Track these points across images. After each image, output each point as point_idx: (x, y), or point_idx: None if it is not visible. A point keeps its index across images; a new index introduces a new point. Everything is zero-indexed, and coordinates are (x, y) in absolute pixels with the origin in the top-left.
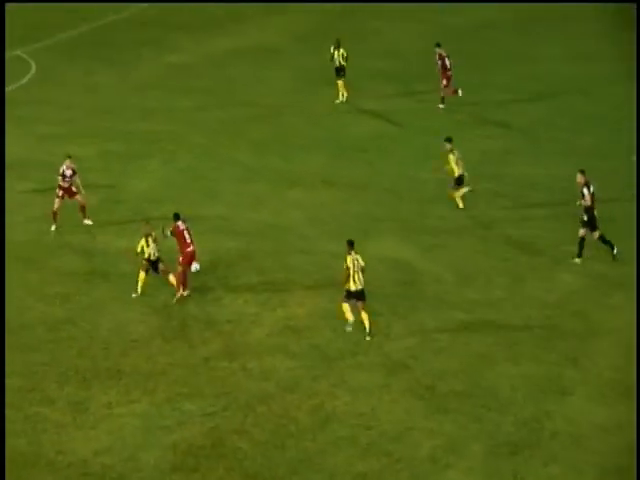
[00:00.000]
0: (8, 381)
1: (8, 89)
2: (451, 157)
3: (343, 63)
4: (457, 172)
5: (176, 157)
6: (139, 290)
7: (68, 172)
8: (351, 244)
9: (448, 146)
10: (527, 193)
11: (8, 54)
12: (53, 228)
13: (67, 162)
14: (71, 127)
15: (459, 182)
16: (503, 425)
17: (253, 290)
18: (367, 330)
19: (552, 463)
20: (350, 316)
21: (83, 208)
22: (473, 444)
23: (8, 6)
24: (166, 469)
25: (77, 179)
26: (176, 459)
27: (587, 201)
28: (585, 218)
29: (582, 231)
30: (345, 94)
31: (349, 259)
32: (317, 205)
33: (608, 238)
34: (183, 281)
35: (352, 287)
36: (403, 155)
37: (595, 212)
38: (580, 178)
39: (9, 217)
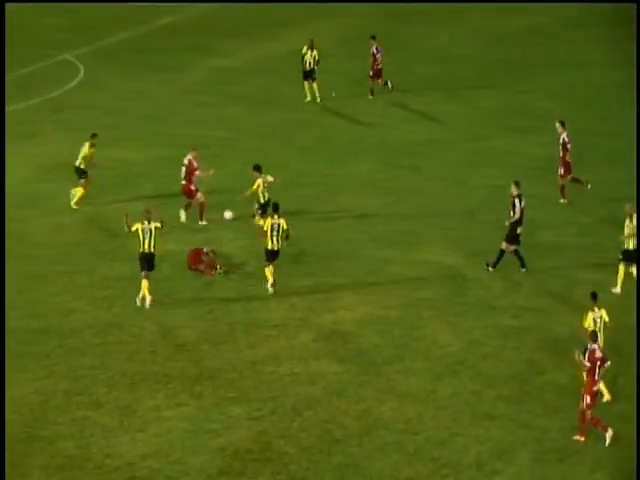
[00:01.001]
0: (55, 385)
1: (57, 93)
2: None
3: (314, 66)
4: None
5: (224, 162)
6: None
7: (195, 164)
8: (275, 208)
9: (256, 174)
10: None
11: (57, 58)
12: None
13: (192, 154)
14: (119, 131)
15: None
16: (550, 431)
17: (300, 295)
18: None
19: (599, 470)
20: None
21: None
22: (520, 450)
23: (57, 8)
24: (213, 473)
25: (199, 173)
26: (223, 463)
27: (517, 214)
28: (510, 232)
29: (504, 244)
30: (317, 95)
31: (268, 221)
32: (365, 210)
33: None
34: None
35: (269, 246)
36: (452, 161)
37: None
38: (514, 189)
39: (57, 219)
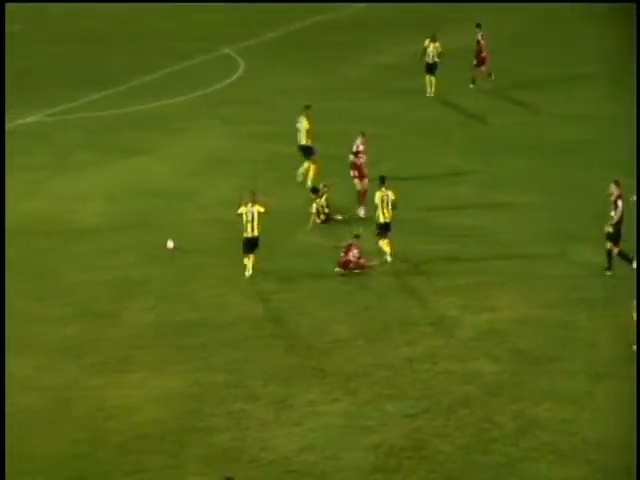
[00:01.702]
0: (212, 377)
1: (216, 87)
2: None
3: (436, 59)
4: None
5: (381, 159)
6: None
7: (361, 147)
8: (382, 180)
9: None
10: None
11: (218, 52)
12: (362, 213)
13: (360, 139)
14: (276, 127)
15: None
16: None
17: (457, 293)
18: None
19: None
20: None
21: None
22: None
23: (221, 6)
24: (367, 469)
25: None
26: (377, 460)
27: (618, 215)
28: (611, 230)
29: (609, 244)
30: (432, 90)
31: (378, 195)
32: (521, 209)
33: None
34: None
35: (380, 220)
36: (609, 161)
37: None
38: (615, 190)
39: (213, 212)
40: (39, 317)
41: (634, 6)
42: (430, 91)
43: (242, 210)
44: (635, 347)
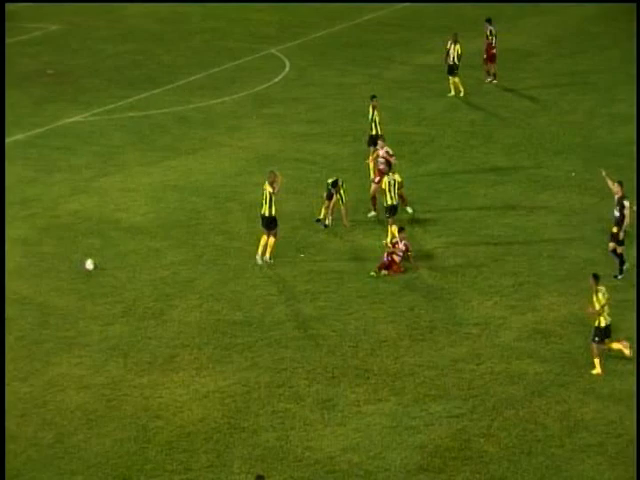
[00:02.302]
0: (257, 376)
1: (262, 86)
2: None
3: (457, 61)
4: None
5: (426, 159)
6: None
7: (382, 152)
8: (596, 278)
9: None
10: None
11: (264, 52)
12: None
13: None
14: (322, 127)
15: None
16: None
17: (502, 293)
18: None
19: None
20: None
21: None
22: None
23: (252, 5)
24: (412, 469)
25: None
26: (422, 460)
27: (626, 217)
28: (616, 230)
29: (612, 245)
30: (461, 90)
31: (385, 179)
32: (568, 210)
33: None
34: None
35: (388, 202)
36: None
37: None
38: (619, 190)
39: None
40: (85, 316)
41: (634, 6)
42: (456, 92)
43: (265, 188)
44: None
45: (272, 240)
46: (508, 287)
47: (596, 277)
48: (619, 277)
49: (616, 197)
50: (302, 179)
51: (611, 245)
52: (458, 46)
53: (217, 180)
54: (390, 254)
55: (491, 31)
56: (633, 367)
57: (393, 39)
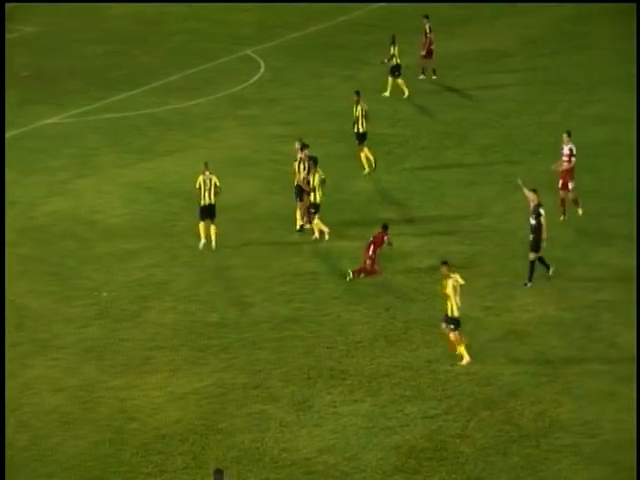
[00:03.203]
0: (233, 378)
1: (238, 88)
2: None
3: (394, 61)
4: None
5: (402, 160)
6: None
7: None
8: (315, 161)
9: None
10: None
11: (239, 53)
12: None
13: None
14: (298, 128)
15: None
16: None
17: (477, 294)
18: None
19: None
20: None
21: None
22: None
23: (237, 6)
24: (388, 470)
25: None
26: (398, 461)
27: (543, 224)
28: (532, 239)
29: (532, 255)
30: (405, 91)
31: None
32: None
33: None
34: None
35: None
36: (635, 164)
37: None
38: (534, 197)
39: (233, 214)
40: (61, 318)
41: (634, 6)
42: (390, 93)
43: (199, 180)
44: None
45: (215, 228)
46: (483, 288)
47: (446, 263)
48: (528, 285)
49: (532, 205)
50: (278, 180)
51: (531, 255)
52: (396, 47)
53: (193, 182)
54: (372, 258)
55: (430, 27)
56: (608, 367)
57: (369, 40)
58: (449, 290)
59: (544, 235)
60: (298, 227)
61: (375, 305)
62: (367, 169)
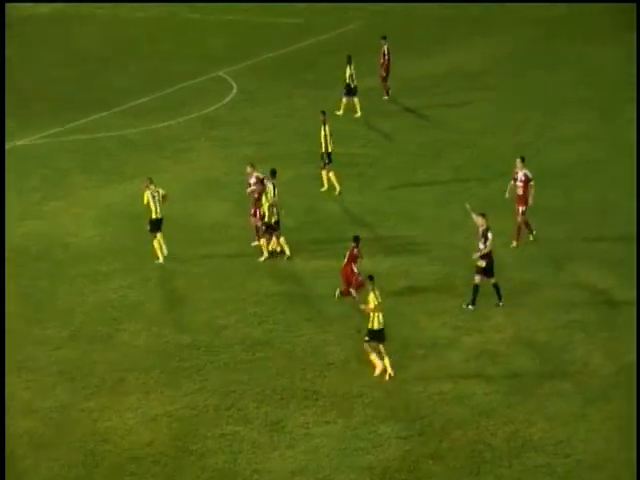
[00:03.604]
0: (206, 399)
1: (210, 109)
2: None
3: (350, 81)
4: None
5: (374, 180)
6: None
7: (252, 179)
8: (372, 279)
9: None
10: None
11: (211, 74)
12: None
13: (249, 168)
14: (270, 149)
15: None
16: None
17: (450, 314)
18: None
19: None
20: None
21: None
22: None
23: (207, 27)
24: None
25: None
26: None
27: (488, 247)
28: (483, 264)
29: (478, 278)
30: (358, 110)
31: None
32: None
33: None
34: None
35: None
36: (605, 182)
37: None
38: (482, 221)
39: (206, 235)
40: (34, 340)
41: (634, 6)
42: (345, 112)
43: (146, 194)
44: None
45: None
46: (455, 308)
47: (371, 278)
48: (470, 307)
49: (480, 229)
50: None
51: (477, 278)
52: (353, 66)
53: (164, 204)
54: (355, 276)
55: (388, 49)
56: (580, 387)
57: (340, 61)
58: (371, 304)
59: (485, 251)
60: (270, 251)
61: (347, 326)
62: (338, 187)
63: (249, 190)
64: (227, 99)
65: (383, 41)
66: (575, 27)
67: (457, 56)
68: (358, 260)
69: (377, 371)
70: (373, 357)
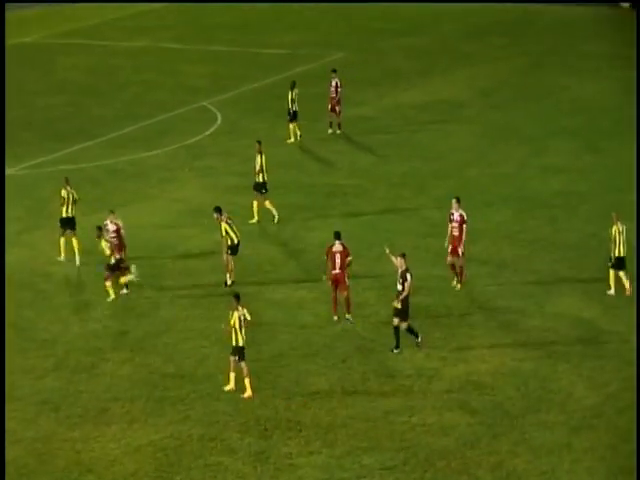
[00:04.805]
0: (190, 429)
1: (195, 139)
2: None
3: (291, 106)
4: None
5: (358, 210)
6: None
7: (112, 227)
8: (237, 298)
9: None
10: None
11: (195, 104)
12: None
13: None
14: (252, 179)
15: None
16: None
17: (434, 345)
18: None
19: None
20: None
21: None
22: None
23: (190, 57)
24: None
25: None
26: None
27: (407, 289)
28: (399, 306)
29: (396, 320)
30: (298, 134)
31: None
32: (499, 261)
33: None
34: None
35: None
36: (589, 213)
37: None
38: (402, 263)
39: (190, 264)
40: (17, 369)
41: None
42: (294, 139)
43: (63, 193)
44: None
45: (76, 241)
46: (440, 339)
47: (237, 297)
48: (395, 351)
49: (399, 271)
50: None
51: (403, 325)
52: (295, 92)
53: (148, 233)
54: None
55: (337, 82)
56: (564, 418)
57: (324, 92)
58: (235, 322)
59: (405, 294)
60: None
61: (332, 356)
62: (276, 215)
63: (110, 237)
64: (212, 129)
65: (333, 74)
66: (558, 59)
67: (440, 88)
68: (348, 259)
69: (227, 387)
70: (247, 381)
